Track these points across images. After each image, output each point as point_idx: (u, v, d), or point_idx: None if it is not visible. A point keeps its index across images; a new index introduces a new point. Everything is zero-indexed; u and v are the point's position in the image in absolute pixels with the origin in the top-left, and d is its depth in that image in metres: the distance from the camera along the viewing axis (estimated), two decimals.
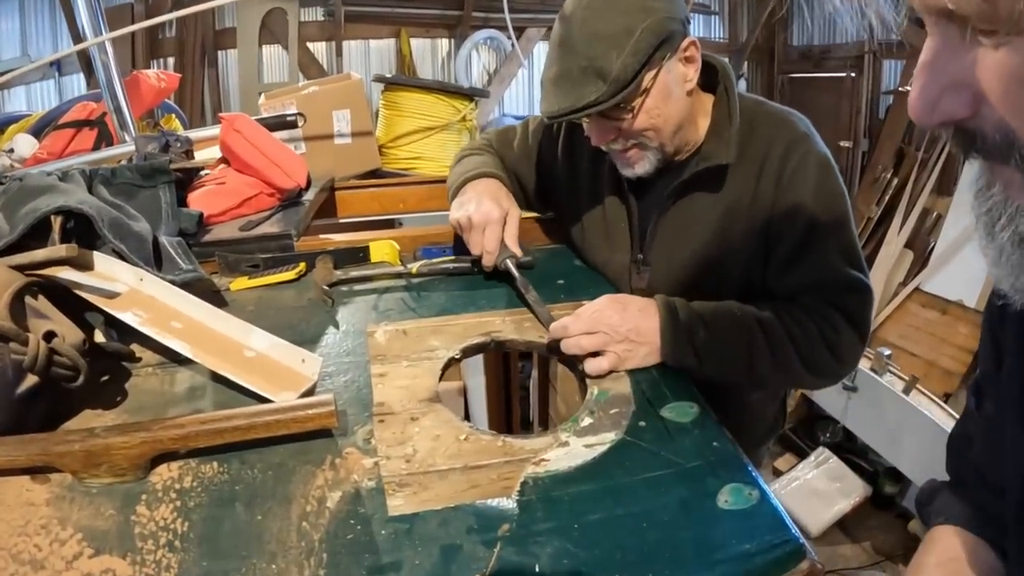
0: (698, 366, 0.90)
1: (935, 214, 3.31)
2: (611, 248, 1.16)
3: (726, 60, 1.11)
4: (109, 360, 0.86)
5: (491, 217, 1.08)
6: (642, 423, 0.76)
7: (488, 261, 1.09)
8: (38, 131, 1.95)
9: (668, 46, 0.93)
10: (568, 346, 0.88)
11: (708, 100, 1.07)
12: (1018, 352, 0.61)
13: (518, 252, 1.10)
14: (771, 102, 1.09)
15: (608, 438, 0.73)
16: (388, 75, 3.42)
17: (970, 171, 0.40)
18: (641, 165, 1.04)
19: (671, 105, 0.98)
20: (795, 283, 1.01)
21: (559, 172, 1.24)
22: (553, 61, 0.96)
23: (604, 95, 0.91)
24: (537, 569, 0.57)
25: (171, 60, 3.95)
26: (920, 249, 3.30)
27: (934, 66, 0.35)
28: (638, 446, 0.72)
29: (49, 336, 0.72)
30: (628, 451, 0.72)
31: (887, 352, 2.59)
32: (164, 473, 0.69)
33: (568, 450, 0.72)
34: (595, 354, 0.87)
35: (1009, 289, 0.40)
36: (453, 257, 1.18)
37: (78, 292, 0.84)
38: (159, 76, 2.09)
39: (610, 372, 0.86)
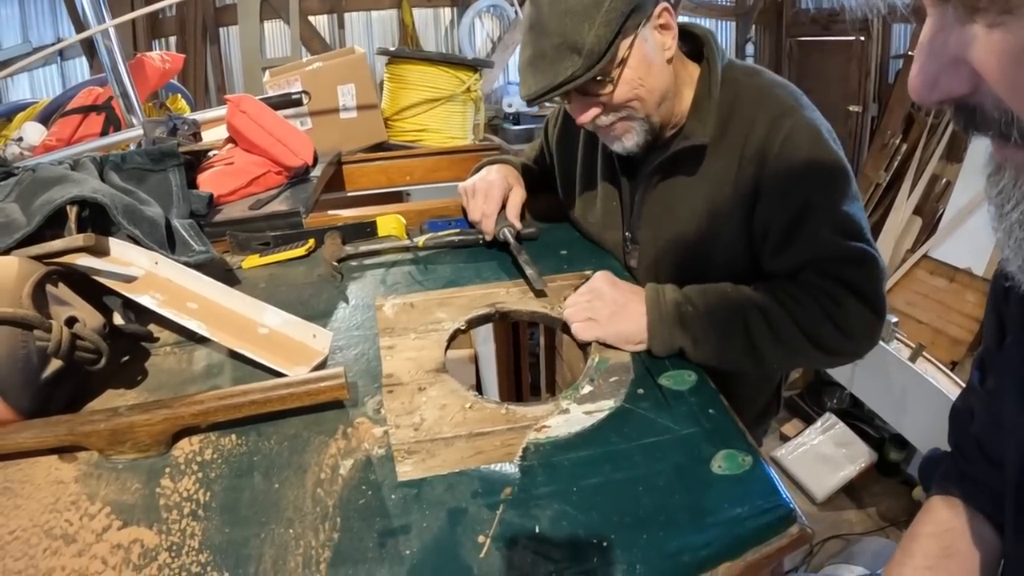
0: (691, 347, 0.88)
1: (944, 181, 3.27)
2: (604, 226, 1.18)
3: (710, 28, 1.08)
4: (128, 341, 0.90)
5: (493, 185, 1.17)
6: (640, 391, 0.79)
7: (487, 226, 1.15)
8: (45, 118, 1.97)
9: (640, 13, 0.92)
10: (566, 316, 0.92)
11: (695, 71, 1.04)
12: (1021, 331, 0.62)
13: (517, 224, 1.15)
14: (766, 72, 1.04)
15: (607, 405, 0.76)
16: (391, 47, 3.41)
17: (978, 142, 0.40)
18: (629, 138, 1.01)
19: (653, 75, 0.96)
20: (790, 264, 0.96)
21: (557, 156, 1.28)
22: (527, 44, 0.95)
23: (580, 69, 0.90)
24: (537, 530, 0.60)
25: (172, 39, 3.95)
26: (929, 216, 3.27)
27: (932, 45, 0.35)
28: (636, 413, 0.75)
29: (71, 321, 0.75)
30: (626, 418, 0.74)
31: (894, 319, 2.60)
32: (186, 447, 0.72)
33: (568, 417, 0.74)
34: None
35: (1016, 271, 0.40)
36: (458, 230, 1.20)
37: (96, 278, 0.87)
38: (163, 58, 2.10)
39: (593, 340, 0.89)
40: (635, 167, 1.11)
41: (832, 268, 0.93)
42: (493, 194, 1.17)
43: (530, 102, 0.97)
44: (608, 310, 0.90)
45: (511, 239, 1.12)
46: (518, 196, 1.20)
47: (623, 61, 0.93)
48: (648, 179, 1.07)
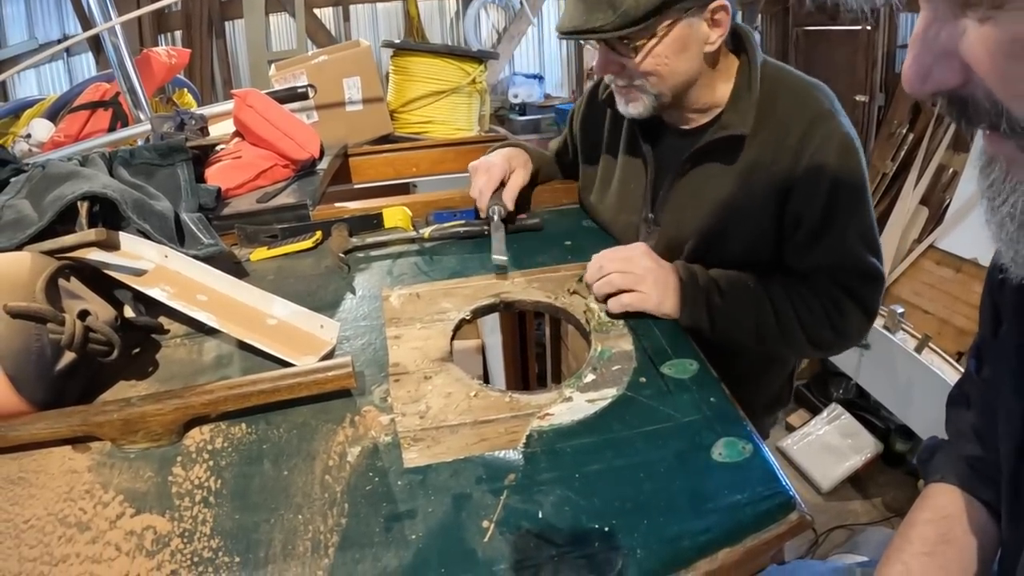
0: (710, 328, 0.96)
1: (951, 171, 3.24)
2: (620, 207, 1.19)
3: (749, 27, 1.10)
4: (140, 333, 0.91)
5: (492, 165, 1.21)
6: (643, 379, 0.79)
7: (480, 203, 1.20)
8: (53, 114, 1.98)
9: (694, 0, 0.93)
10: (600, 285, 0.95)
11: (733, 63, 1.06)
12: (1015, 320, 0.62)
13: (509, 205, 1.19)
14: (797, 72, 1.07)
15: (610, 393, 0.77)
16: (396, 39, 3.42)
17: (979, 138, 0.40)
18: (635, 106, 1.04)
19: (682, 60, 0.97)
20: (812, 263, 1.02)
21: (580, 138, 1.31)
22: None
23: (609, 24, 0.91)
24: (540, 516, 0.61)
25: (179, 34, 3.96)
26: (935, 206, 3.25)
27: (925, 37, 0.36)
28: (638, 401, 0.76)
29: (83, 315, 0.77)
30: (628, 406, 0.75)
31: (900, 310, 2.59)
32: (197, 436, 0.74)
33: (571, 405, 0.75)
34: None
35: (1009, 262, 0.41)
36: (463, 221, 1.21)
37: (107, 272, 0.89)
38: (169, 53, 2.11)
39: (640, 311, 0.93)
40: (663, 151, 1.13)
41: (846, 279, 1.01)
42: (492, 173, 1.20)
43: (560, 36, 0.99)
44: (653, 282, 0.94)
45: (496, 217, 1.16)
46: (518, 179, 1.23)
47: (657, 35, 0.94)
48: (680, 166, 1.09)
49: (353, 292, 1.03)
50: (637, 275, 0.94)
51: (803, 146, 0.98)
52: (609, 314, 0.94)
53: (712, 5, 0.95)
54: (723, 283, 0.98)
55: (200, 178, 1.30)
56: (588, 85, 1.31)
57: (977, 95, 0.36)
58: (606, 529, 0.60)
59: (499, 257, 1.05)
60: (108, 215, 0.96)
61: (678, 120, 1.11)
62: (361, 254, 1.16)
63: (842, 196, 0.98)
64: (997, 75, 0.33)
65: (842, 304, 1.00)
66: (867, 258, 1.00)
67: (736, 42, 1.06)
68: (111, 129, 1.86)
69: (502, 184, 1.22)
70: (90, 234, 0.86)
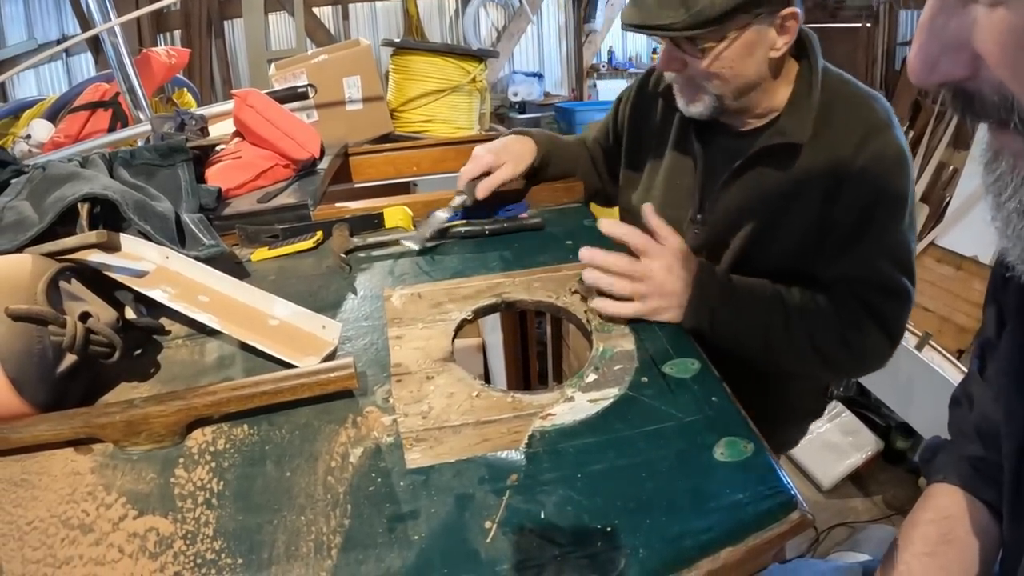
0: (709, 331, 0.93)
1: (951, 168, 3.25)
2: (666, 203, 1.18)
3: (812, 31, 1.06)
4: (141, 335, 0.91)
5: (479, 156, 1.22)
6: (644, 379, 0.79)
7: (457, 186, 1.22)
8: (53, 115, 1.98)
9: (767, 5, 0.91)
10: (599, 279, 0.90)
11: (793, 68, 1.04)
12: (1019, 320, 0.62)
13: (478, 195, 1.19)
14: (855, 80, 1.05)
15: (611, 393, 0.77)
16: (396, 37, 3.43)
17: (982, 132, 0.39)
18: (696, 106, 1.04)
19: (747, 64, 0.96)
20: (837, 273, 1.00)
21: (628, 128, 1.28)
22: None
23: (679, 23, 0.90)
24: (543, 516, 0.61)
25: (178, 33, 3.96)
26: (936, 203, 3.25)
27: (933, 25, 0.35)
28: (640, 401, 0.76)
29: (84, 317, 0.77)
30: (630, 406, 0.75)
31: None
32: (199, 437, 0.74)
33: (573, 405, 0.75)
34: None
35: (1015, 259, 0.40)
36: (464, 221, 1.21)
37: (108, 274, 0.89)
38: (169, 52, 2.11)
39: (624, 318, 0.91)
40: (717, 153, 1.12)
41: (868, 293, 0.97)
42: (476, 163, 1.21)
43: (624, 28, 0.98)
44: (657, 300, 0.90)
45: (455, 203, 1.19)
46: (502, 173, 1.21)
47: (727, 39, 0.93)
48: (732, 168, 1.07)
49: (354, 292, 1.03)
50: (643, 292, 0.90)
51: (856, 156, 0.96)
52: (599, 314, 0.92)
53: (784, 12, 0.93)
54: (738, 287, 0.97)
55: (200, 178, 1.30)
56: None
57: (984, 89, 0.34)
58: (608, 529, 0.60)
59: (411, 243, 1.13)
60: (109, 216, 0.96)
61: (735, 122, 1.10)
62: (362, 254, 1.16)
63: (881, 207, 0.96)
64: (1008, 66, 0.32)
65: (860, 321, 0.97)
66: (894, 275, 0.97)
67: (798, 46, 1.04)
68: (111, 129, 1.86)
69: (488, 174, 1.21)
70: (91, 236, 0.86)
